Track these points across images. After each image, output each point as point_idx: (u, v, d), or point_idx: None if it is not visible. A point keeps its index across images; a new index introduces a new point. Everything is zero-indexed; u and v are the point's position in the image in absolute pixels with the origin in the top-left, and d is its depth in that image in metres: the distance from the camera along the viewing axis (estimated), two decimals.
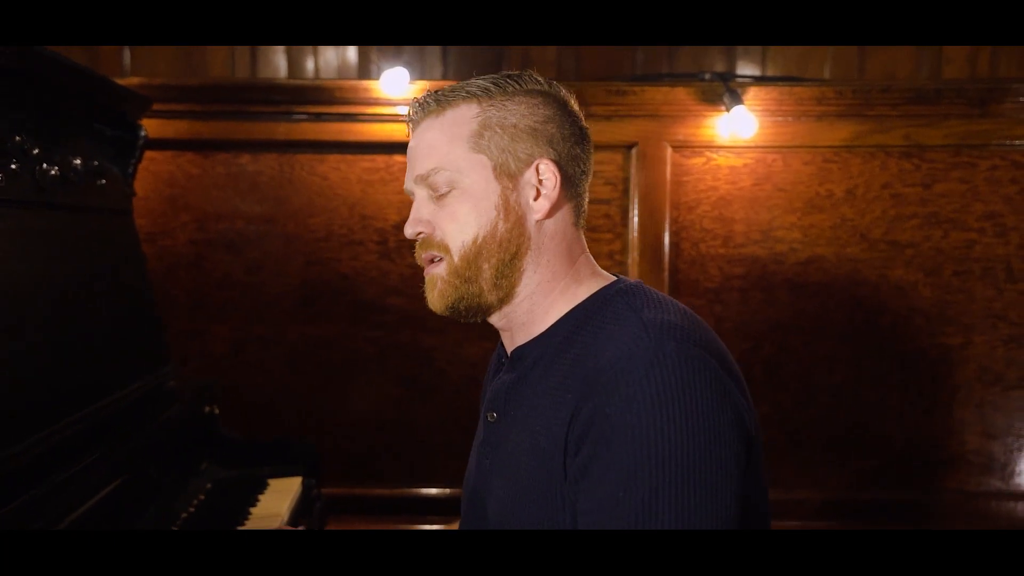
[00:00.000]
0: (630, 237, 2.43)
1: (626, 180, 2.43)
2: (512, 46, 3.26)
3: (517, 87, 1.17)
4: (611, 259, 2.45)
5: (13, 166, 1.48)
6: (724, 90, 2.34)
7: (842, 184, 2.45)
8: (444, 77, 3.31)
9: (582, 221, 1.20)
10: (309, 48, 3.36)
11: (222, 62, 3.30)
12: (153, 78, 2.56)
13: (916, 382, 2.49)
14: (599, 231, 2.45)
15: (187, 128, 2.41)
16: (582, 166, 1.20)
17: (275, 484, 1.96)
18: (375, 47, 3.30)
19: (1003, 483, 2.48)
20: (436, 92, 1.18)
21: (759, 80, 2.61)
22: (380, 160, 2.47)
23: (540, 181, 1.16)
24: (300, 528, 1.53)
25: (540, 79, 1.20)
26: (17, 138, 1.51)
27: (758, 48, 3.32)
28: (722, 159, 2.44)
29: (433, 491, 2.53)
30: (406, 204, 2.40)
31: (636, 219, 2.42)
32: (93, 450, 1.47)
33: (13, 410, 1.34)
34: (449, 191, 1.15)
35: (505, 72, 1.19)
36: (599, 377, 1.05)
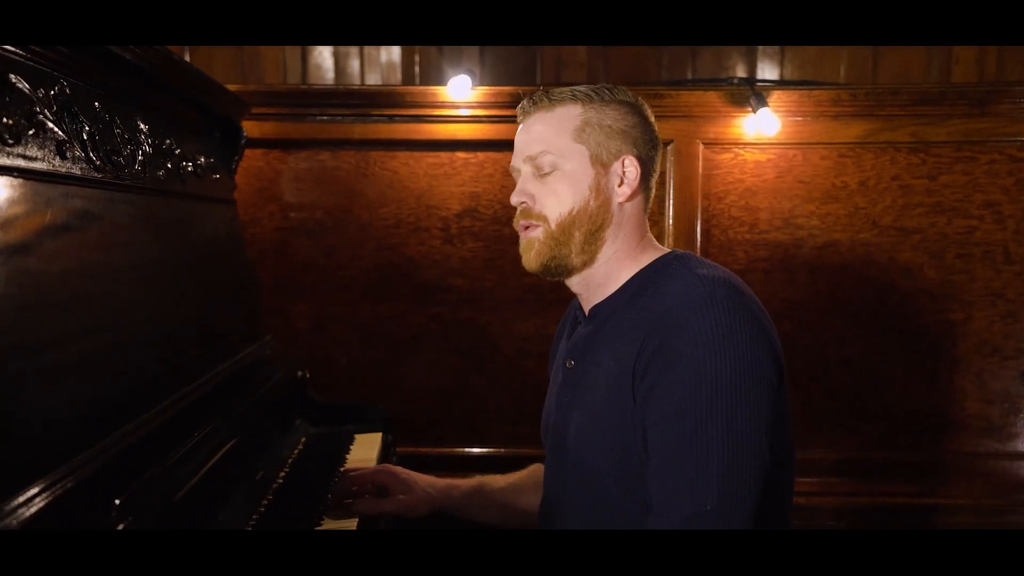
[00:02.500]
0: (666, 224, 2.60)
1: (663, 174, 2.59)
2: (544, 49, 3.42)
3: (612, 96, 1.42)
4: None
5: (168, 164, 1.75)
6: (750, 93, 2.52)
7: (856, 176, 2.60)
8: (480, 80, 3.44)
9: (648, 208, 1.46)
10: (355, 52, 3.54)
11: (274, 66, 3.49)
12: (247, 84, 2.77)
13: (921, 354, 2.62)
14: None
15: (274, 128, 2.59)
16: (654, 165, 1.46)
17: (360, 438, 2.14)
18: (417, 48, 3.49)
19: (1000, 444, 2.63)
20: (548, 91, 1.43)
21: (781, 84, 2.76)
22: (444, 156, 2.63)
23: (624, 172, 1.41)
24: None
25: (630, 93, 1.45)
26: (168, 141, 1.76)
27: (777, 51, 3.47)
28: (748, 154, 2.61)
29: (488, 450, 2.71)
30: (467, 195, 2.67)
31: (672, 208, 2.59)
32: (214, 412, 1.60)
33: (149, 375, 1.45)
34: (552, 171, 1.38)
35: (603, 84, 1.44)
36: (662, 318, 1.28)
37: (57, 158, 1.23)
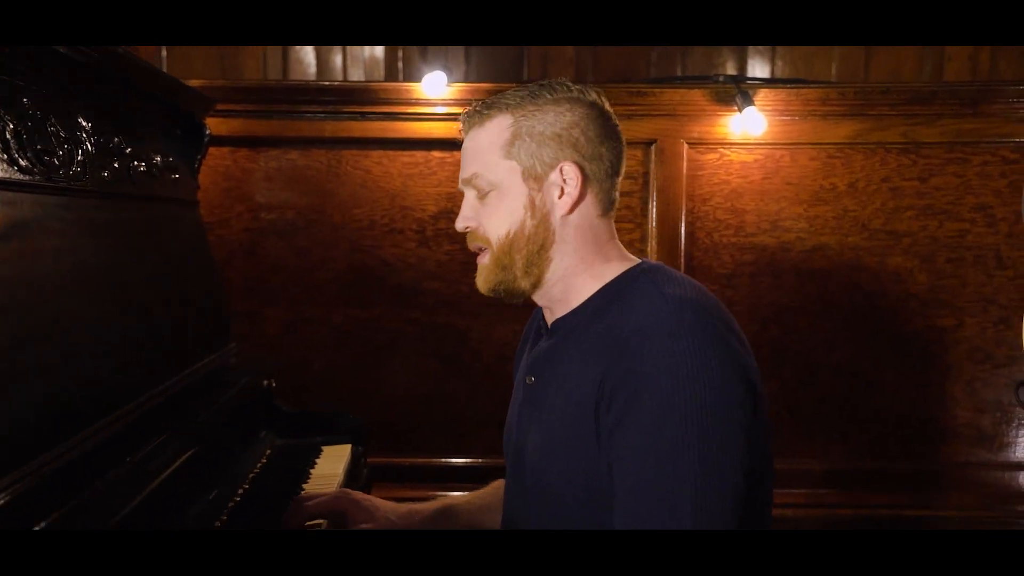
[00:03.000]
0: (649, 227, 2.53)
1: (646, 174, 2.54)
2: (532, 47, 3.38)
3: (548, 97, 1.29)
4: (632, 247, 2.51)
5: (115, 163, 1.64)
6: (736, 92, 2.45)
7: (845, 178, 2.54)
8: (466, 77, 3.43)
9: (612, 211, 1.34)
10: (337, 48, 3.47)
11: (255, 62, 3.42)
12: (213, 79, 2.70)
13: (911, 361, 2.58)
14: (621, 221, 2.55)
15: (242, 126, 2.51)
16: (607, 163, 1.31)
17: (328, 450, 2.06)
18: (401, 47, 3.43)
19: (992, 454, 2.58)
20: (480, 104, 1.33)
21: (769, 82, 2.71)
22: (419, 155, 2.56)
23: (564, 181, 1.28)
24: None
25: (571, 86, 1.31)
26: (116, 139, 1.66)
27: (767, 50, 3.42)
28: (734, 155, 2.55)
29: (467, 460, 2.64)
30: (443, 195, 2.59)
31: (655, 210, 2.53)
32: (170, 422, 1.54)
33: (101, 385, 1.40)
34: (488, 191, 1.31)
35: (541, 81, 1.31)
36: (627, 342, 1.18)
37: None
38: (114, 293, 1.55)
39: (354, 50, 3.47)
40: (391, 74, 3.44)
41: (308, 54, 3.46)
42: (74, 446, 1.24)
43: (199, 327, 2.03)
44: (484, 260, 1.34)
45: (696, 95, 2.52)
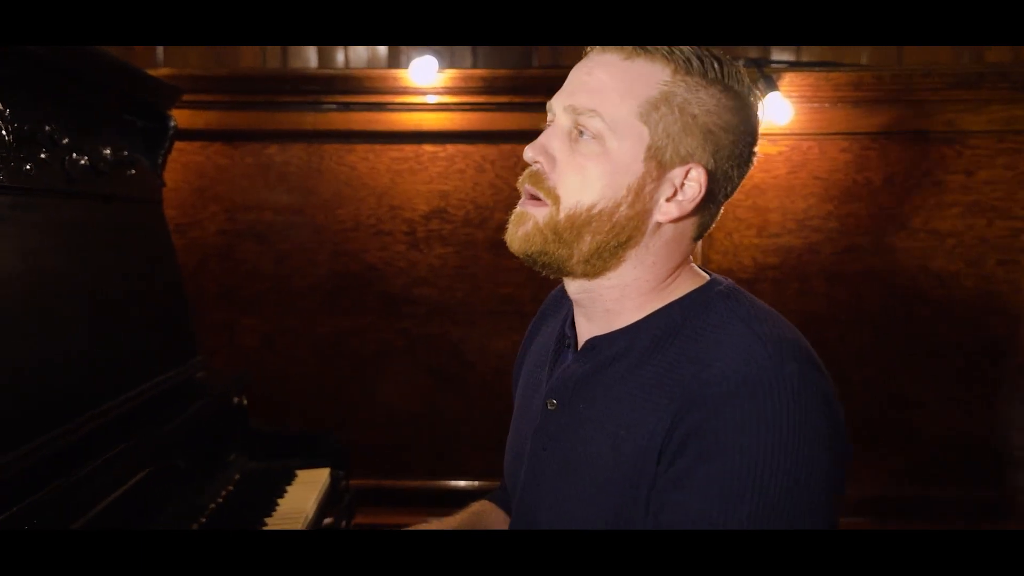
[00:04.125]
0: None
1: None
2: (541, 49, 3.24)
3: (717, 75, 1.05)
4: None
5: (43, 155, 1.48)
6: (759, 76, 2.29)
7: (880, 172, 2.40)
8: (474, 64, 3.29)
9: (703, 234, 1.13)
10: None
11: (252, 55, 3.31)
12: (184, 69, 2.56)
13: (956, 375, 2.43)
14: None
15: (216, 119, 2.42)
16: (730, 187, 1.11)
17: (303, 475, 1.96)
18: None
19: None
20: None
21: (794, 66, 2.56)
22: (408, 149, 2.45)
23: (682, 185, 1.06)
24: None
25: (745, 78, 1.08)
26: (47, 128, 1.51)
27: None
28: (757, 146, 2.40)
29: (462, 483, 2.53)
30: (434, 194, 2.44)
31: None
32: (120, 441, 1.46)
33: (42, 401, 1.35)
34: (592, 140, 1.05)
35: (716, 51, 1.07)
36: (709, 389, 0.98)
37: None
38: (46, 301, 1.46)
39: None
40: (394, 63, 3.32)
41: (309, 48, 3.33)
42: (4, 465, 1.20)
43: (159, 338, 1.94)
44: (537, 214, 1.07)
45: None
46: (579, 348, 1.14)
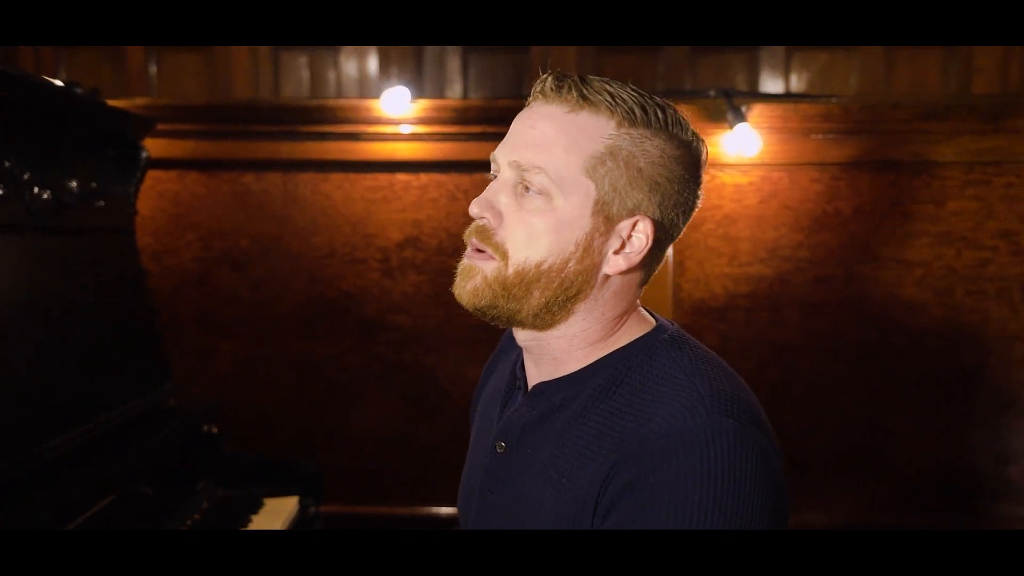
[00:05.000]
0: None
1: None
2: (533, 60, 3.22)
3: (661, 125, 1.03)
4: None
5: (4, 192, 1.50)
6: (728, 107, 2.27)
7: (850, 202, 2.38)
8: (465, 92, 3.28)
9: (648, 279, 1.11)
10: (331, 62, 3.35)
11: (246, 80, 3.31)
12: (159, 98, 2.58)
13: (926, 404, 2.41)
14: None
15: (192, 147, 2.42)
16: (675, 232, 1.08)
17: (271, 504, 1.95)
18: (395, 59, 3.29)
19: (1019, 509, 2.38)
20: (584, 81, 1.03)
21: (763, 97, 2.53)
22: (383, 179, 2.45)
23: (630, 237, 1.04)
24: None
25: (688, 127, 1.06)
26: (6, 164, 1.52)
27: (781, 63, 3.25)
28: (727, 177, 2.38)
29: (438, 510, 2.52)
30: (408, 222, 2.44)
31: None
32: (85, 468, 1.47)
33: (2, 427, 1.35)
34: (538, 196, 1.02)
35: (657, 98, 1.04)
36: (647, 444, 0.97)
37: None
38: (8, 329, 1.47)
39: (347, 66, 3.36)
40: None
41: (302, 70, 3.34)
42: None
43: (128, 363, 1.93)
44: (485, 268, 1.05)
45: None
46: (528, 392, 1.13)
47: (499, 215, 1.03)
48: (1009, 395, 2.37)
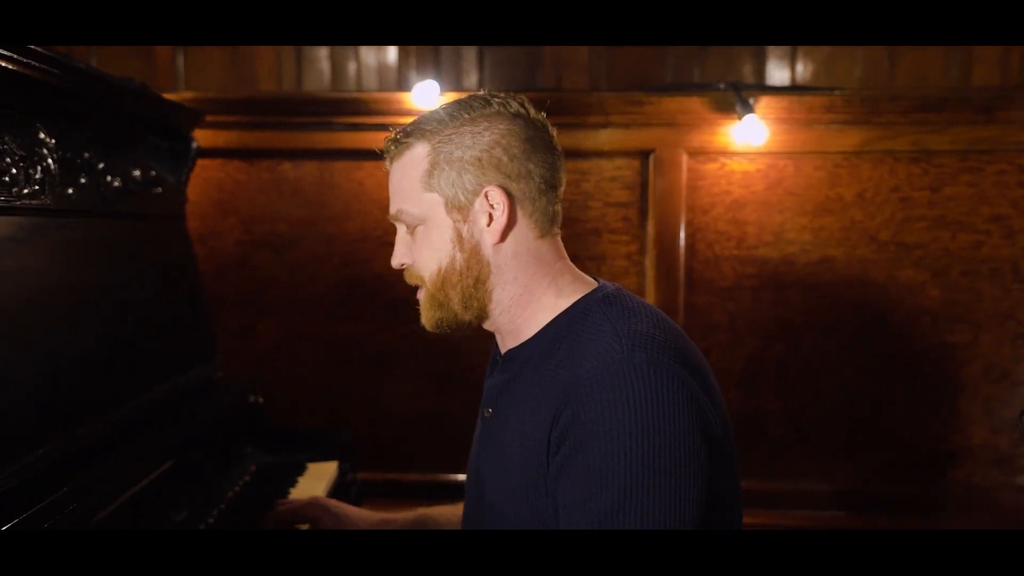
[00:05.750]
0: (647, 239, 2.48)
1: (643, 185, 2.49)
2: (546, 54, 3.33)
3: (466, 117, 1.19)
4: (629, 259, 2.51)
5: (82, 180, 1.62)
6: (736, 99, 2.39)
7: (852, 188, 2.48)
8: (480, 83, 3.37)
9: (554, 229, 1.24)
10: (352, 56, 3.45)
11: (269, 71, 3.41)
12: (205, 92, 2.69)
13: (924, 378, 2.50)
14: (618, 233, 2.52)
15: (235, 138, 2.51)
16: (537, 179, 1.21)
17: (313, 468, 2.05)
18: (414, 54, 3.39)
19: (1009, 476, 2.49)
20: (399, 132, 1.23)
21: (770, 90, 2.63)
22: None
23: (491, 207, 1.19)
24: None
25: (490, 99, 1.20)
26: (86, 154, 1.65)
27: (787, 55, 3.33)
28: (736, 164, 2.49)
29: (460, 477, 2.58)
30: None
31: (653, 222, 2.47)
32: (145, 436, 1.56)
33: (74, 399, 1.43)
34: (416, 227, 1.22)
35: (459, 99, 1.21)
36: (577, 385, 1.10)
37: None
38: (83, 308, 1.54)
39: (367, 59, 3.44)
40: (404, 84, 3.42)
41: (323, 63, 3.44)
42: (43, 456, 1.25)
43: (182, 339, 2.03)
44: (422, 296, 1.27)
45: (695, 103, 2.46)
46: (502, 361, 1.30)
47: (408, 255, 1.26)
48: (1000, 369, 2.48)
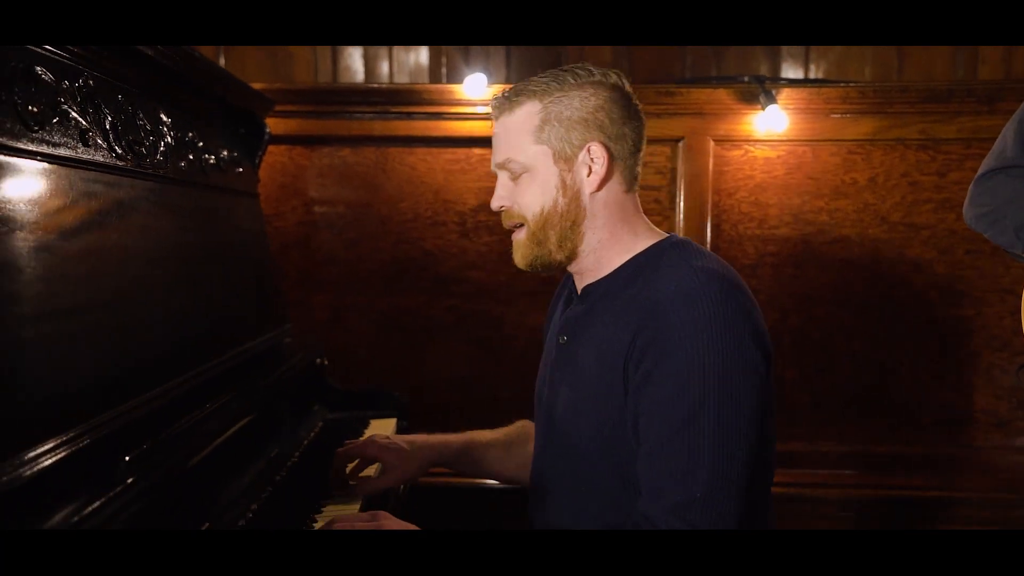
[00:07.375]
0: (677, 219, 2.65)
1: (674, 170, 2.65)
2: (570, 50, 3.49)
3: (573, 82, 1.37)
4: None
5: (190, 156, 1.83)
6: (760, 91, 2.56)
7: (865, 173, 2.63)
8: (507, 79, 3.53)
9: (636, 186, 1.43)
10: (384, 52, 3.61)
11: (304, 69, 3.58)
12: (272, 83, 2.85)
13: (929, 349, 2.64)
14: (650, 214, 2.51)
15: (298, 126, 2.67)
16: (630, 141, 1.40)
17: (375, 423, 2.21)
18: (444, 51, 3.56)
19: (1009, 439, 2.64)
20: (507, 92, 1.41)
21: (791, 82, 2.79)
22: (460, 152, 2.70)
23: (592, 160, 1.37)
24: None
25: (593, 70, 1.39)
26: (191, 134, 1.85)
27: (801, 52, 3.46)
28: (758, 151, 2.65)
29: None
30: (483, 190, 2.73)
31: (682, 204, 2.64)
32: (230, 389, 1.65)
33: (173, 351, 1.53)
34: (521, 174, 1.39)
35: (563, 67, 1.39)
36: (658, 307, 1.28)
37: (80, 145, 1.33)
38: (184, 269, 1.68)
39: (400, 55, 3.60)
40: (435, 78, 3.57)
41: (356, 60, 3.60)
42: (140, 404, 1.32)
43: (258, 306, 2.19)
44: (520, 236, 1.43)
45: (722, 95, 2.63)
46: (579, 295, 1.49)
47: (509, 199, 1.42)
48: (1001, 340, 2.63)
